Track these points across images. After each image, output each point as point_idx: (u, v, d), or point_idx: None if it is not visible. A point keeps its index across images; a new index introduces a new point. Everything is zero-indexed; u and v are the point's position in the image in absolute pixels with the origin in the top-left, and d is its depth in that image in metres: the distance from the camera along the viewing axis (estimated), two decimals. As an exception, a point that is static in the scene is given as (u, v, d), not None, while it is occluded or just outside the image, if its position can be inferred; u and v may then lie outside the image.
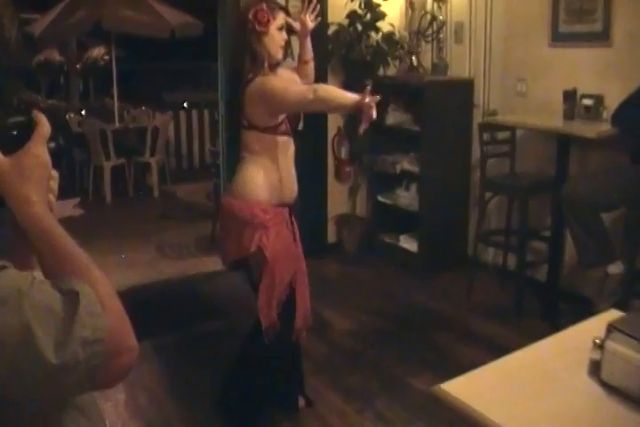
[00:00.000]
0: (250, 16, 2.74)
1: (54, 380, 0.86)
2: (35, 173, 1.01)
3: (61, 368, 0.85)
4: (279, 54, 2.83)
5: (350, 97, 2.56)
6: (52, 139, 1.03)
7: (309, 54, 3.04)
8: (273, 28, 2.77)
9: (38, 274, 0.97)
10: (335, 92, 2.66)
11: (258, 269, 2.85)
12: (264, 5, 2.76)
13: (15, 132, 1.02)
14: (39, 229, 0.99)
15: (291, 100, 2.69)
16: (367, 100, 2.47)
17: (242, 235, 2.80)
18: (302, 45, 3.04)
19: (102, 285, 0.97)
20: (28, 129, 1.01)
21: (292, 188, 2.91)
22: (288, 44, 2.94)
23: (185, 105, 10.28)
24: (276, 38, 2.79)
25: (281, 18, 2.81)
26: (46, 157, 1.03)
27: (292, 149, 2.90)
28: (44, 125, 1.03)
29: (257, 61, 2.76)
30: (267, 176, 2.82)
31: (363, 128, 2.57)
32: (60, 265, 0.98)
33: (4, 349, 0.83)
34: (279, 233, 2.84)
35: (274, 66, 2.82)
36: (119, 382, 1.00)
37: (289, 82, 2.83)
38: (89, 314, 0.89)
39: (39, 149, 1.02)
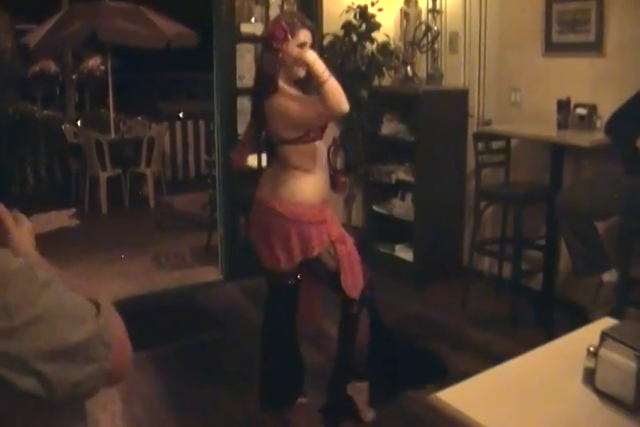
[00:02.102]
0: (268, 33, 2.78)
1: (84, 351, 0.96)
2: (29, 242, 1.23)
3: (83, 343, 0.96)
4: (299, 72, 2.80)
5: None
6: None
7: (321, 77, 2.69)
8: (292, 45, 2.73)
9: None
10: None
11: (330, 260, 2.95)
12: (283, 22, 2.74)
13: None
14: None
15: (309, 118, 2.78)
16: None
17: (310, 236, 2.89)
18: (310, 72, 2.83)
19: (113, 317, 1.09)
20: None
21: (327, 183, 3.00)
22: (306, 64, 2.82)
23: (180, 115, 10.29)
24: (294, 56, 2.74)
25: (304, 35, 2.76)
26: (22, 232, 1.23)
27: (322, 148, 2.94)
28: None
29: (273, 78, 2.79)
30: (311, 181, 2.90)
31: None
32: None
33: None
34: (333, 222, 3.00)
35: (292, 83, 2.83)
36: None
37: (302, 100, 2.84)
38: (106, 328, 1.01)
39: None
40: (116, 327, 1.06)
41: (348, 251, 2.98)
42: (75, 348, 0.94)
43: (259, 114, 2.91)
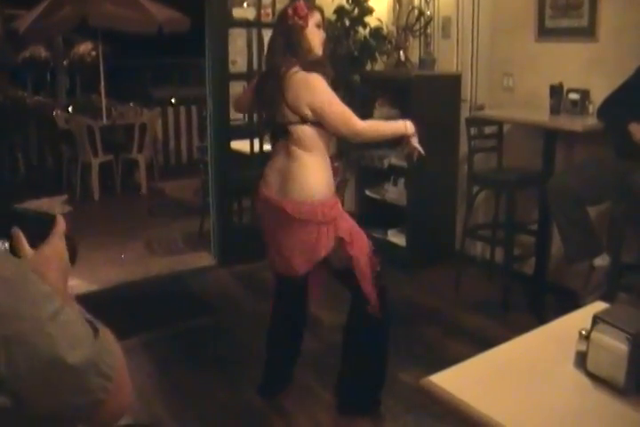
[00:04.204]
0: (289, 12, 2.82)
1: (75, 378, 0.90)
2: (54, 262, 1.12)
3: (78, 368, 0.90)
4: (319, 50, 2.87)
5: (396, 127, 2.93)
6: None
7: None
8: (312, 23, 2.83)
9: None
10: (382, 127, 2.95)
11: (342, 258, 2.87)
12: (301, 1, 2.84)
13: (37, 228, 1.15)
14: None
15: (335, 109, 2.76)
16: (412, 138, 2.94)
17: (317, 238, 2.81)
18: None
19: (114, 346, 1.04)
20: (46, 225, 1.15)
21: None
22: (327, 42, 2.97)
23: (173, 101, 10.25)
24: (316, 33, 2.85)
25: (318, 15, 2.88)
26: (63, 249, 1.15)
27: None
28: (60, 222, 1.17)
29: (299, 55, 2.79)
30: (323, 171, 2.86)
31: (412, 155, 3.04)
32: None
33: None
34: (343, 217, 2.92)
35: (314, 64, 2.82)
36: (112, 424, 1.04)
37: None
38: (106, 350, 0.96)
39: (58, 242, 1.14)
40: (117, 357, 0.99)
41: (358, 253, 2.87)
42: (65, 370, 0.89)
43: (271, 89, 2.82)
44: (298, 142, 2.81)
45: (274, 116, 2.86)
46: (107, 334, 1.00)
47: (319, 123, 2.78)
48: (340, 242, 2.84)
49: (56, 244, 1.14)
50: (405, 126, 2.93)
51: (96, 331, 0.97)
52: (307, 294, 3.12)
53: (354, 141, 2.87)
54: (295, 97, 2.75)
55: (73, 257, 1.18)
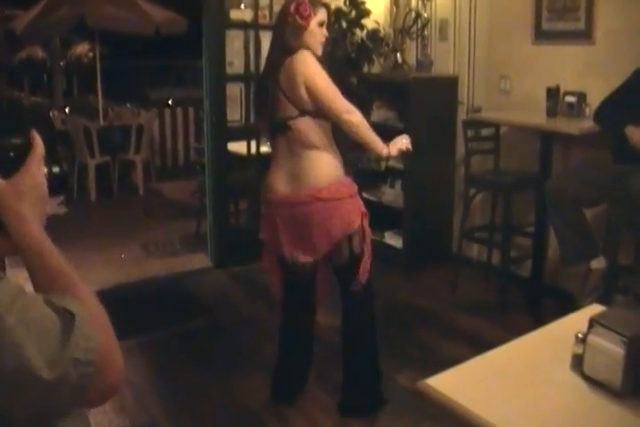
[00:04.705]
0: (291, 9, 2.75)
1: (48, 395, 0.86)
2: (31, 194, 1.02)
3: (54, 384, 0.85)
4: (319, 50, 2.82)
5: (380, 146, 2.85)
6: (57, 164, 1.04)
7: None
8: (314, 23, 2.77)
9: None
10: (369, 131, 2.84)
11: (362, 237, 2.90)
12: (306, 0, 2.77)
13: (12, 154, 1.03)
14: (33, 247, 1.00)
15: (330, 94, 2.74)
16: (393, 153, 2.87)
17: (348, 211, 2.84)
18: None
19: (91, 303, 0.98)
20: (24, 151, 1.02)
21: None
22: (328, 41, 2.90)
23: (170, 102, 10.24)
24: (316, 34, 2.79)
25: (322, 14, 2.81)
26: (42, 178, 1.04)
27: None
28: (39, 146, 1.04)
29: (294, 47, 2.76)
30: (331, 158, 2.87)
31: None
32: (51, 281, 0.99)
33: None
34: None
35: None
36: (107, 400, 0.99)
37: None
38: (82, 336, 0.89)
39: (34, 170, 1.03)
40: (98, 338, 0.92)
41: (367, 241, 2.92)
42: (34, 379, 0.84)
43: (270, 85, 2.82)
44: (299, 139, 2.81)
45: (274, 112, 2.85)
46: (84, 313, 0.92)
47: (318, 113, 2.77)
48: (365, 218, 2.90)
49: (33, 173, 1.02)
50: (382, 148, 2.87)
51: (71, 315, 0.89)
52: (315, 296, 3.15)
53: (346, 121, 2.77)
54: (292, 81, 2.74)
55: (60, 187, 1.06)
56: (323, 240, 2.86)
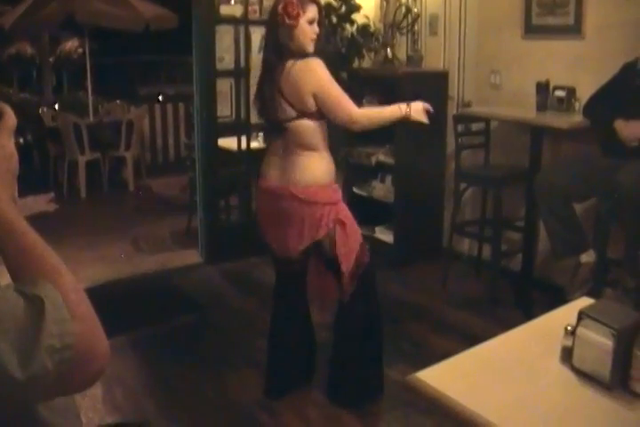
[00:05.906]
0: (279, 9, 2.74)
1: (22, 393, 0.84)
2: (1, 165, 0.97)
3: (28, 382, 0.82)
4: (310, 47, 2.81)
5: (397, 115, 2.89)
6: (20, 134, 1.00)
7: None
8: (303, 20, 2.75)
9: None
10: (378, 116, 2.91)
11: (333, 244, 2.89)
12: None
13: None
14: (3, 226, 0.93)
15: (334, 92, 2.76)
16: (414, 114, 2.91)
17: (321, 216, 2.85)
18: None
19: (71, 287, 0.91)
20: None
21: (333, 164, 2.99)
22: (319, 38, 2.87)
23: (160, 98, 10.22)
24: (306, 31, 2.77)
25: (312, 11, 2.79)
26: (12, 149, 0.99)
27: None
28: (10, 117, 1.00)
29: (284, 54, 2.77)
30: (323, 161, 2.89)
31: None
32: (27, 265, 0.93)
33: None
34: (343, 205, 2.97)
35: (304, 57, 2.80)
36: (90, 386, 0.95)
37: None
38: (55, 320, 0.85)
39: (5, 142, 0.98)
40: (73, 321, 0.87)
41: (347, 233, 2.91)
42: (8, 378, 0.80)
43: (269, 87, 2.82)
44: (295, 140, 2.83)
45: (271, 113, 2.85)
46: (56, 297, 0.87)
47: (318, 115, 2.79)
48: (336, 224, 2.88)
49: (3, 144, 0.97)
50: (400, 109, 2.90)
51: (41, 301, 0.85)
52: (305, 293, 3.15)
53: (352, 129, 2.83)
54: (297, 88, 2.75)
55: (24, 158, 0.98)
56: (294, 240, 2.90)
